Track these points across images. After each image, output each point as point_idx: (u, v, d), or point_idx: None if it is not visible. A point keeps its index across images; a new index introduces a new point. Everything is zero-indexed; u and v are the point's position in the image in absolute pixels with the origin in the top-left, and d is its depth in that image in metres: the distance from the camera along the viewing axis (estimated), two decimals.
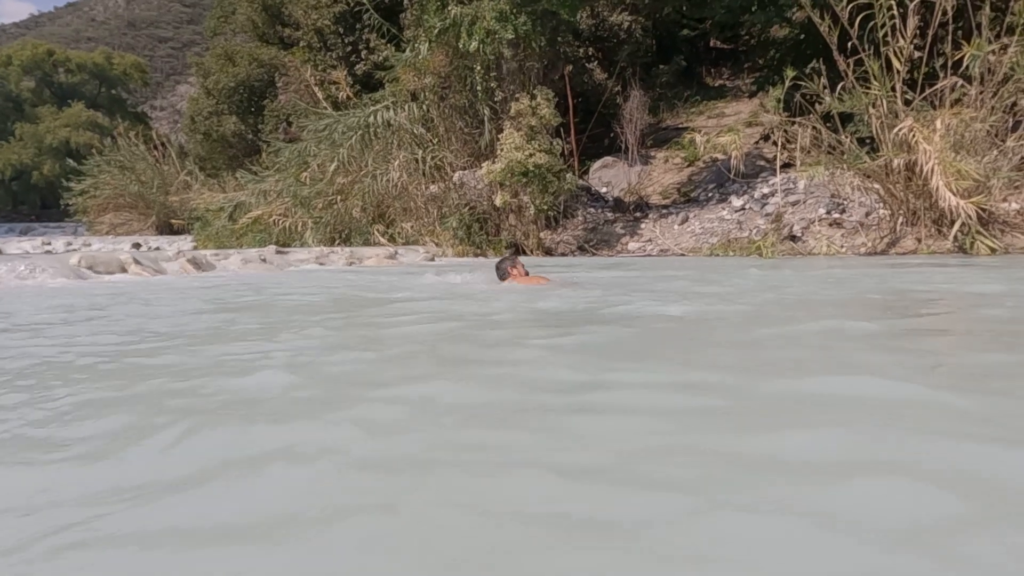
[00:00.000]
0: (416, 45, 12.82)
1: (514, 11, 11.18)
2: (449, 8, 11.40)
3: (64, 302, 4.69)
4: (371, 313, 4.11)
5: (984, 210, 8.09)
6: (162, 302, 4.75)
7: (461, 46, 11.26)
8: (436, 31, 11.58)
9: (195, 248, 15.92)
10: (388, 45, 16.89)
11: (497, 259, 6.08)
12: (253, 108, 24.13)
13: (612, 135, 15.87)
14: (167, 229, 23.61)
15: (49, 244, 19.55)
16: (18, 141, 46.12)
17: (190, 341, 3.00)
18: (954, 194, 7.68)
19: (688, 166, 15.66)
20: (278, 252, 9.71)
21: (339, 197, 13.26)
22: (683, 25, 18.89)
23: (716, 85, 21.03)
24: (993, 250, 7.91)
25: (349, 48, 19.47)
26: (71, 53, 52.63)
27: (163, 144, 25.95)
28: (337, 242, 12.81)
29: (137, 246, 17.29)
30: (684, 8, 16.45)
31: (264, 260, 8.99)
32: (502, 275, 5.47)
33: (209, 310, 4.27)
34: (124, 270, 7.54)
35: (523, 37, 11.39)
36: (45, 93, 50.10)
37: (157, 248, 16.75)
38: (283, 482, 1.25)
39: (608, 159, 15.95)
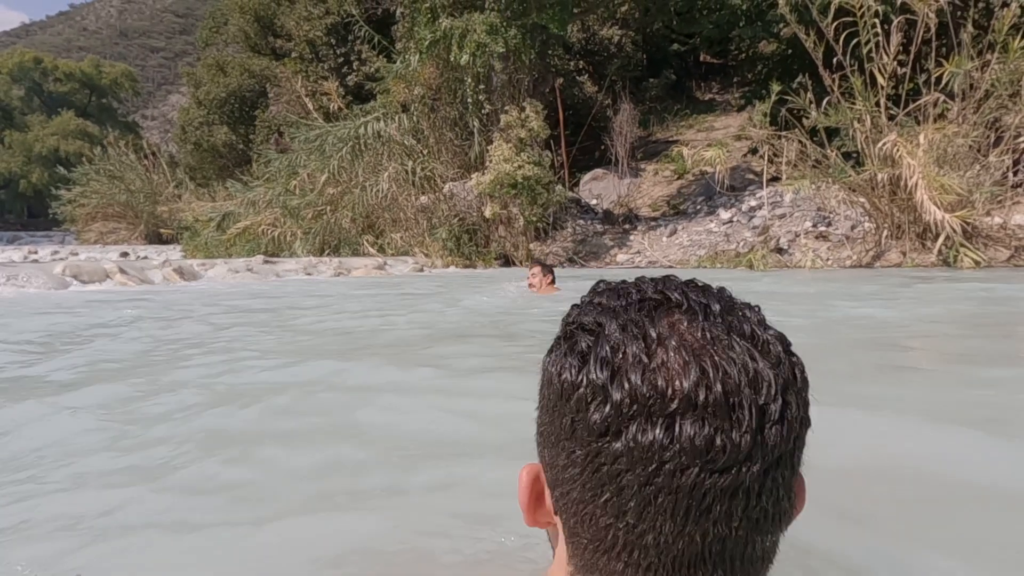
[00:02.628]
0: (407, 57, 12.87)
1: (504, 25, 11.26)
2: (440, 21, 11.47)
3: None
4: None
5: (968, 224, 8.18)
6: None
7: (452, 59, 11.32)
8: (427, 44, 11.64)
9: (184, 258, 15.84)
10: (380, 57, 16.97)
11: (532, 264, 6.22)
12: (244, 118, 24.10)
13: (602, 148, 15.96)
14: (156, 239, 23.46)
15: (36, 253, 19.38)
16: (7, 149, 45.88)
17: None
18: (939, 208, 7.77)
19: (677, 179, 15.77)
20: (266, 262, 9.68)
21: (329, 208, 13.25)
22: (673, 40, 19.09)
23: (705, 99, 21.22)
24: (977, 263, 7.99)
25: (341, 59, 19.54)
26: (60, 62, 52.52)
27: (153, 154, 25.85)
28: (327, 252, 12.78)
29: (125, 255, 17.16)
30: (674, 23, 16.64)
31: (251, 270, 8.95)
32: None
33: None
34: (109, 279, 7.49)
35: (513, 50, 11.47)
36: (35, 101, 49.95)
37: (145, 257, 16.64)
38: None
39: (598, 171, 16.03)
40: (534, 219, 11.74)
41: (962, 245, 8.07)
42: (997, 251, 8.53)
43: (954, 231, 7.91)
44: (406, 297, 6.36)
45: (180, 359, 2.82)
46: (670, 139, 18.54)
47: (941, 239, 8.15)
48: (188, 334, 3.61)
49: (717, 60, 21.86)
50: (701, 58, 21.92)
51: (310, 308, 5.06)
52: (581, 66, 18.95)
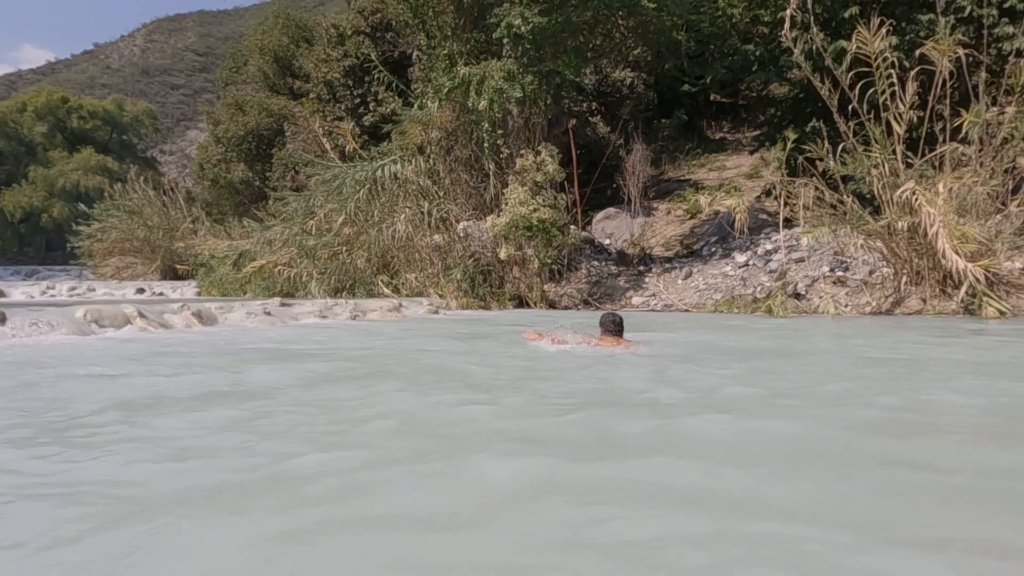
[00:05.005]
0: (424, 101, 13.10)
1: (521, 71, 11.47)
2: (458, 68, 11.70)
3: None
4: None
5: (990, 272, 8.10)
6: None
7: (470, 104, 11.51)
8: (446, 90, 11.85)
9: (199, 294, 15.96)
10: (396, 98, 17.31)
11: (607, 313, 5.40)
12: (261, 156, 24.55)
13: (615, 187, 16.08)
14: (171, 274, 23.68)
15: (52, 289, 19.60)
16: (30, 184, 46.81)
17: None
18: (961, 257, 7.70)
19: (690, 218, 15.81)
20: (283, 304, 9.71)
21: (344, 248, 13.34)
22: (684, 81, 19.36)
23: (717, 138, 21.41)
24: (1002, 313, 7.87)
25: (357, 100, 19.93)
26: (84, 100, 53.91)
27: (171, 189, 26.29)
28: (342, 292, 12.82)
29: (141, 291, 17.33)
30: (685, 65, 16.88)
31: (269, 313, 8.98)
32: (617, 329, 5.14)
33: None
34: (129, 324, 7.53)
35: (530, 95, 11.65)
36: (57, 138, 51.11)
37: (161, 294, 16.79)
38: None
39: (611, 210, 16.11)
40: (549, 261, 11.77)
41: (985, 295, 7.98)
42: (1020, 298, 8.42)
43: (977, 281, 7.83)
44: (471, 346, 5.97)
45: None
46: (682, 178, 18.67)
47: (964, 289, 8.06)
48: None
49: (728, 100, 22.14)
50: (712, 98, 22.22)
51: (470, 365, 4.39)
52: (594, 107, 19.23)
